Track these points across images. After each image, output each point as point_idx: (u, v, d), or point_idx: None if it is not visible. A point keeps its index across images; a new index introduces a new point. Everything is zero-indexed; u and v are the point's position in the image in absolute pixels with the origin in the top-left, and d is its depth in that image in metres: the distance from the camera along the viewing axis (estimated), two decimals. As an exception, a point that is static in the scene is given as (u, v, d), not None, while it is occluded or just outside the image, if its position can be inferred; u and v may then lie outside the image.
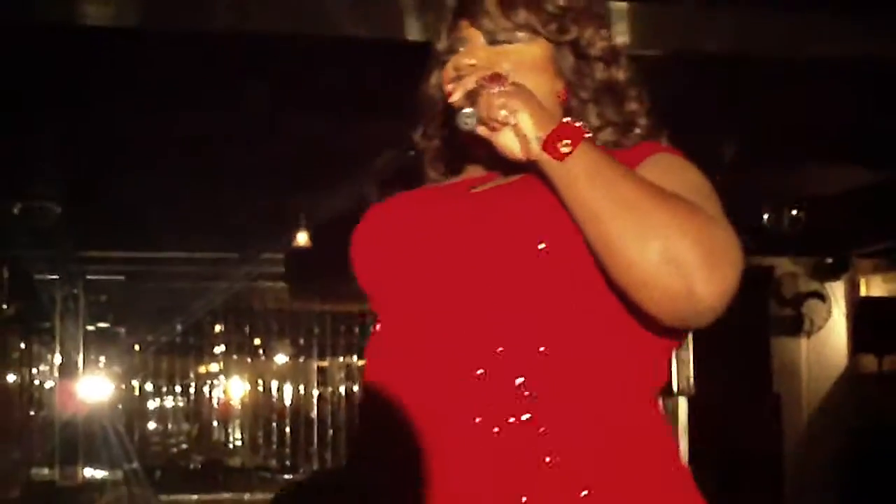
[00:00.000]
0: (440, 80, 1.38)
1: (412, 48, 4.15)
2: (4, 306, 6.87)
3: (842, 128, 4.82)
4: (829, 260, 6.68)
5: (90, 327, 7.51)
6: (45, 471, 7.04)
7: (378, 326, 1.29)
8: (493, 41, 1.33)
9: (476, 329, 1.18)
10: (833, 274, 6.73)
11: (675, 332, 1.22)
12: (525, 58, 1.33)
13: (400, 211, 1.34)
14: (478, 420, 1.12)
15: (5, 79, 3.91)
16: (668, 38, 4.23)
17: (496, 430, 1.11)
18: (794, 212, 5.87)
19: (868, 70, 4.17)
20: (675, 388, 5.82)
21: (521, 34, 1.33)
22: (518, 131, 1.19)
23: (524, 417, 1.12)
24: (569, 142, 1.17)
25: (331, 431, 7.71)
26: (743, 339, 6.02)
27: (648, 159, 1.26)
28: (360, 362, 7.37)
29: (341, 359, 7.38)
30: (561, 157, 1.17)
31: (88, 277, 7.32)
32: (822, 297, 6.70)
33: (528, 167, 1.24)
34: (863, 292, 6.84)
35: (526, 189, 1.25)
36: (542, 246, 1.19)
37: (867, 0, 3.70)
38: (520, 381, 1.13)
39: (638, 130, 1.35)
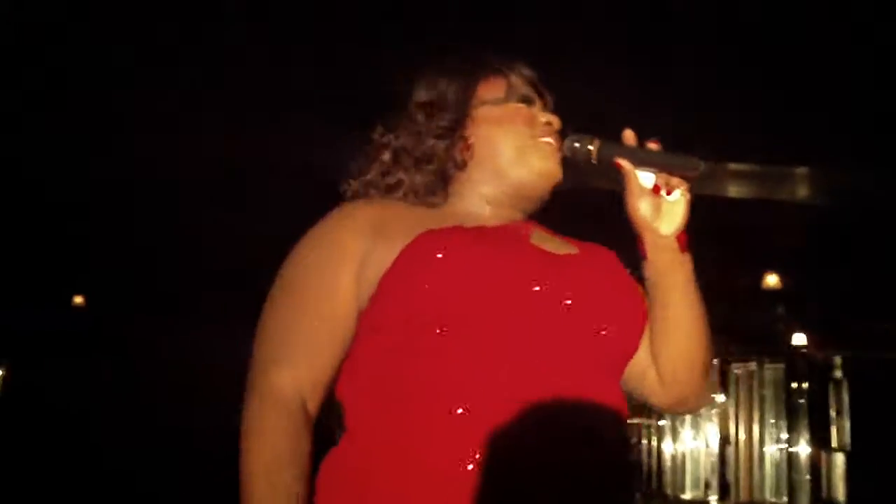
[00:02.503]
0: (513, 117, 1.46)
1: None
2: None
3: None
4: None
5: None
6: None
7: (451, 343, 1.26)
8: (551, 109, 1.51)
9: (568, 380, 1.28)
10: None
11: None
12: None
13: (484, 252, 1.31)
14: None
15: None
16: (842, 191, 5.80)
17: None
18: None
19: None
20: (834, 444, 7.71)
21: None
22: (671, 209, 1.37)
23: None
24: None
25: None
26: (887, 411, 7.33)
27: None
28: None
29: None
30: (686, 249, 1.36)
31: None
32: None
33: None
34: None
35: (609, 267, 1.42)
36: (604, 331, 1.33)
37: None
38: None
39: None
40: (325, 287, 1.32)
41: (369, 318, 1.33)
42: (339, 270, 1.32)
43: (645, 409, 9.01)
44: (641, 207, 1.38)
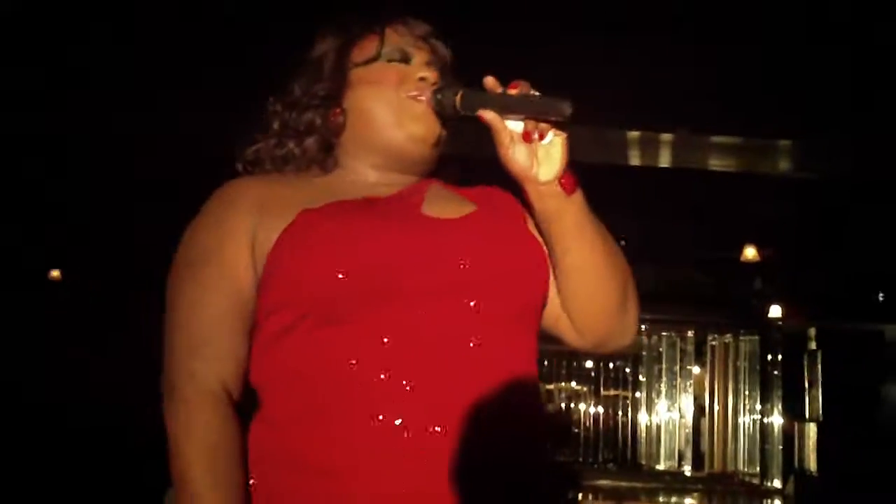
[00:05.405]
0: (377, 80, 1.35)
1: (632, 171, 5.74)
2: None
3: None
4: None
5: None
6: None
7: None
8: (441, 66, 1.41)
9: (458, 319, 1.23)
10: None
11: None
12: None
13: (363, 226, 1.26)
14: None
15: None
16: (823, 164, 5.57)
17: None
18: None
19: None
20: (807, 415, 7.87)
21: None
22: (547, 153, 1.24)
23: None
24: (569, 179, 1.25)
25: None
26: (859, 382, 7.63)
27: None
28: (577, 386, 9.31)
29: (563, 384, 9.17)
30: (572, 191, 1.25)
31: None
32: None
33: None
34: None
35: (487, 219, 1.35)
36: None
37: None
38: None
39: None
40: (227, 270, 1.29)
41: (262, 300, 1.30)
42: (237, 252, 1.29)
43: (621, 381, 9.13)
44: (516, 157, 1.26)
